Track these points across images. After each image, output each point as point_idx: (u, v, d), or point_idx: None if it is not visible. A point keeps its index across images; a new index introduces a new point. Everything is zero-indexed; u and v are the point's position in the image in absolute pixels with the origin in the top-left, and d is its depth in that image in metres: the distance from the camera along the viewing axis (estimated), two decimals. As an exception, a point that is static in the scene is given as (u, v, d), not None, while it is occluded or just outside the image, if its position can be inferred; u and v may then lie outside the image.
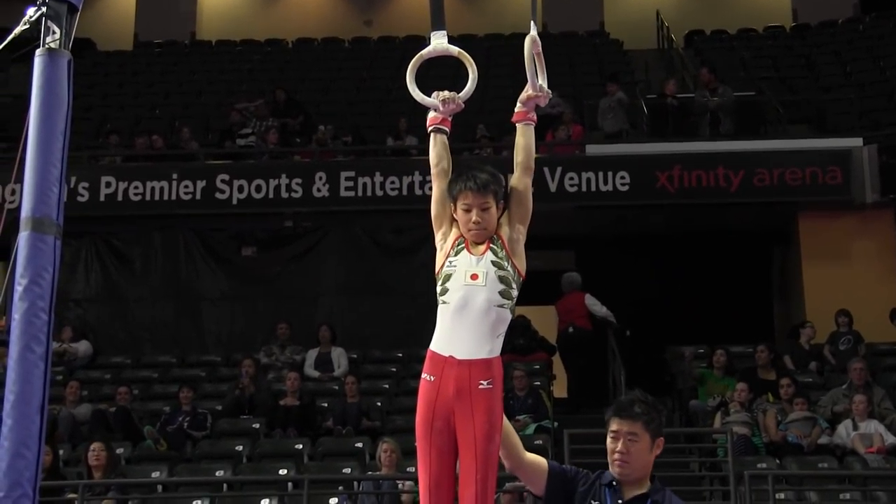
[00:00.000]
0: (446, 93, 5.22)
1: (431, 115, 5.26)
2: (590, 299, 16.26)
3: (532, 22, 5.29)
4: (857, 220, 16.91)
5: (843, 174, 16.85)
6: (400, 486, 12.14)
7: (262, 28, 26.66)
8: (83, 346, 16.69)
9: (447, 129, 5.26)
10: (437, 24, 5.30)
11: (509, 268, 5.02)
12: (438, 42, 5.26)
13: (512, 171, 5.26)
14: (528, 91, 5.23)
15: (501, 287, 4.99)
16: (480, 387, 4.96)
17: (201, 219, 17.77)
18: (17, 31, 4.24)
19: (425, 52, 5.29)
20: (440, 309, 5.07)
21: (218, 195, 17.46)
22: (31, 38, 4.40)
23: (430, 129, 5.27)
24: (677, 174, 17.14)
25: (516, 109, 5.25)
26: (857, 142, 17.06)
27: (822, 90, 20.72)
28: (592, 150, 17.79)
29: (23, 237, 4.08)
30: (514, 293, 5.05)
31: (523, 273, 5.08)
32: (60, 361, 16.21)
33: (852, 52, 22.35)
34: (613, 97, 19.34)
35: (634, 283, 17.77)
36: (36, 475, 4.13)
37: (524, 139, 5.24)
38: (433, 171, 5.24)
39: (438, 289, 5.08)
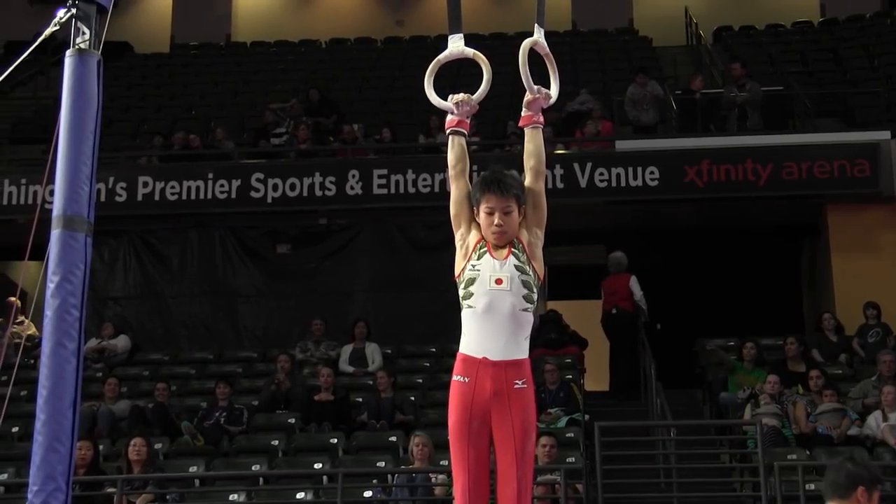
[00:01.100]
0: (461, 95, 5.26)
1: (449, 117, 5.28)
2: (633, 281, 16.34)
3: (536, 25, 5.36)
4: (886, 213, 16.81)
5: (871, 167, 16.77)
6: (433, 479, 12.15)
7: (296, 29, 26.77)
8: (122, 341, 16.77)
9: (465, 130, 5.31)
10: (455, 28, 5.35)
11: (531, 272, 5.08)
12: (455, 45, 5.32)
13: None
14: (528, 95, 5.26)
15: (525, 292, 5.03)
16: (516, 386, 5.02)
17: (236, 217, 17.86)
18: (47, 31, 4.27)
19: (442, 56, 5.36)
20: (465, 313, 5.10)
21: (253, 194, 17.53)
22: (68, 42, 4.42)
23: (448, 131, 5.29)
24: (706, 168, 17.10)
25: (522, 114, 5.30)
26: (884, 135, 16.98)
27: (850, 84, 20.64)
28: (622, 145, 17.80)
29: (54, 235, 4.12)
30: (535, 297, 5.12)
31: (541, 276, 5.13)
32: (100, 358, 16.32)
33: (880, 46, 22.22)
34: (645, 88, 19.32)
35: (664, 276, 17.72)
36: (69, 469, 4.16)
37: (533, 143, 5.31)
38: (451, 172, 5.29)
39: (461, 292, 5.12)
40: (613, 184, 17.09)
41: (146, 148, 19.34)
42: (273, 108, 20.29)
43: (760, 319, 16.73)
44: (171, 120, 21.66)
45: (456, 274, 5.17)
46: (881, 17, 24.18)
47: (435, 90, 5.37)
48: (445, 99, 5.33)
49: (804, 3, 25.77)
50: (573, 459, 12.35)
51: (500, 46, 21.45)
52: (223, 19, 27.36)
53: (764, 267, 18.72)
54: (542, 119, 5.36)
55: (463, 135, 5.32)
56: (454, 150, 5.30)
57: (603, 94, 20.14)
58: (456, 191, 5.27)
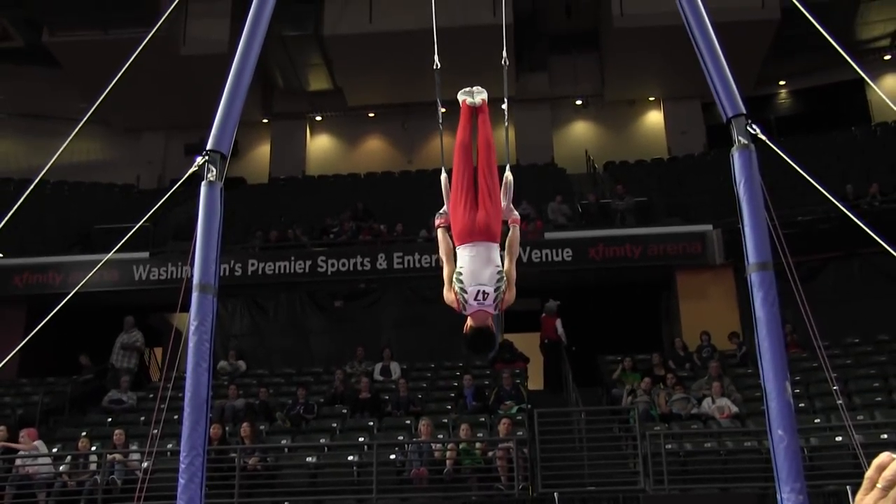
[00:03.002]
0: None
1: (440, 219, 5.26)
2: (559, 322, 16.44)
3: (507, 167, 5.44)
4: (711, 275, 16.86)
5: (702, 246, 16.91)
6: (434, 447, 12.10)
7: (346, 166, 26.85)
8: (242, 364, 16.77)
9: (448, 226, 5.27)
10: (446, 166, 5.39)
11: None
12: (444, 176, 5.33)
13: None
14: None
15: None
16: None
17: (309, 284, 17.86)
18: (189, 171, 4.33)
19: (442, 180, 5.32)
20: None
21: (319, 269, 17.57)
22: (203, 177, 4.47)
23: (440, 227, 5.26)
24: (601, 249, 17.20)
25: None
26: (709, 227, 17.10)
27: (687, 196, 20.74)
28: (549, 235, 17.85)
29: (194, 296, 4.15)
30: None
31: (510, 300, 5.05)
32: (225, 373, 16.27)
33: (704, 173, 22.20)
34: (560, 204, 19.50)
35: (577, 316, 17.72)
36: (205, 442, 4.16)
37: (511, 234, 5.28)
38: (444, 254, 5.17)
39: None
40: (544, 259, 17.16)
41: (253, 242, 19.37)
42: (333, 221, 20.31)
43: (636, 342, 16.69)
44: (268, 224, 21.69)
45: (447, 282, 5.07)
46: (704, 155, 24.31)
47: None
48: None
49: (658, 147, 25.87)
50: (521, 433, 12.32)
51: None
52: (301, 161, 27.46)
53: (638, 310, 18.72)
54: (515, 220, 5.28)
55: (448, 229, 5.25)
56: (445, 240, 5.19)
57: (536, 204, 20.22)
58: (447, 268, 5.09)
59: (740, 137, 4.41)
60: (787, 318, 13.83)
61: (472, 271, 4.84)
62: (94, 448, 12.70)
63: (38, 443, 12.78)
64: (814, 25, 4.67)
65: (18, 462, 12.38)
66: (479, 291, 4.79)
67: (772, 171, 5.73)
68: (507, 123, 5.57)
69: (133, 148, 27.36)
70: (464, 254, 4.94)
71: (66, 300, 4.20)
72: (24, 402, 15.73)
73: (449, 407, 14.18)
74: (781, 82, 26.82)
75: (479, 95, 5.45)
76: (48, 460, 12.64)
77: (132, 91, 23.24)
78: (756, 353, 4.33)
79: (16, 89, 26.76)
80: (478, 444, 12.06)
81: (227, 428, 13.07)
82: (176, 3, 5.42)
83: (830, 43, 4.55)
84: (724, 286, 16.52)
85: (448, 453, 11.79)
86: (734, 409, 12.80)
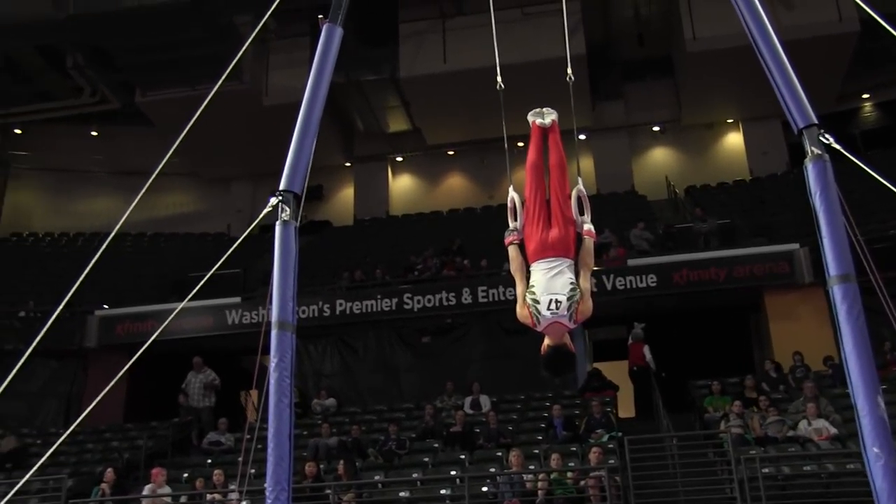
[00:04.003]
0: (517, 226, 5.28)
1: (511, 236, 5.17)
2: (646, 349, 16.10)
3: (579, 179, 5.43)
4: (801, 295, 16.34)
5: (789, 266, 16.43)
6: (525, 478, 11.94)
7: (428, 205, 27.04)
8: (330, 402, 16.86)
9: (519, 242, 5.16)
10: (514, 186, 5.30)
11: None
12: (513, 193, 5.30)
13: None
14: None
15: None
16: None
17: (396, 322, 17.93)
18: (264, 212, 4.37)
19: (516, 197, 5.31)
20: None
21: (405, 306, 17.64)
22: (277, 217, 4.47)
23: (511, 244, 5.15)
24: (685, 273, 16.87)
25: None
26: (795, 246, 16.62)
27: (771, 216, 20.23)
28: (632, 262, 17.57)
29: (273, 334, 4.17)
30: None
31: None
32: (317, 411, 16.39)
33: (787, 191, 21.68)
34: (642, 230, 19.22)
35: (665, 343, 17.32)
36: (289, 477, 4.15)
37: (584, 246, 5.21)
38: (516, 270, 5.07)
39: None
40: (627, 286, 16.90)
41: (340, 282, 19.57)
42: (417, 259, 20.38)
43: (727, 366, 16.21)
44: (354, 264, 21.91)
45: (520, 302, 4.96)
46: (787, 174, 23.72)
47: None
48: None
49: (739, 168, 25.38)
50: (613, 461, 12.07)
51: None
52: (384, 201, 27.76)
53: (727, 333, 18.23)
54: (588, 232, 5.18)
55: (519, 246, 5.19)
56: (517, 257, 5.12)
57: (618, 231, 19.96)
58: (520, 286, 5.01)
59: (813, 148, 4.25)
60: (886, 336, 13.49)
61: (545, 284, 4.79)
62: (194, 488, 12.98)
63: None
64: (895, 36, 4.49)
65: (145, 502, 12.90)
66: (551, 300, 4.72)
67: (860, 186, 5.52)
68: (576, 138, 5.52)
69: (223, 198, 28.11)
70: (537, 269, 4.90)
71: (148, 343, 4.26)
72: (129, 446, 16.17)
73: (539, 437, 13.99)
74: (865, 95, 26.05)
75: (549, 116, 5.42)
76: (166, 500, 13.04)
77: (220, 143, 24.06)
78: (845, 370, 4.13)
79: (113, 148, 27.88)
80: (569, 474, 11.85)
81: (321, 466, 13.14)
82: (237, 57, 5.49)
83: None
84: (815, 305, 15.88)
85: (540, 484, 11.61)
86: (833, 430, 12.28)
